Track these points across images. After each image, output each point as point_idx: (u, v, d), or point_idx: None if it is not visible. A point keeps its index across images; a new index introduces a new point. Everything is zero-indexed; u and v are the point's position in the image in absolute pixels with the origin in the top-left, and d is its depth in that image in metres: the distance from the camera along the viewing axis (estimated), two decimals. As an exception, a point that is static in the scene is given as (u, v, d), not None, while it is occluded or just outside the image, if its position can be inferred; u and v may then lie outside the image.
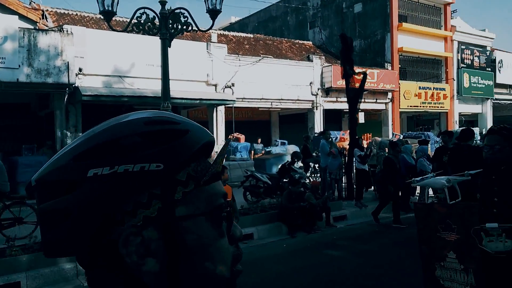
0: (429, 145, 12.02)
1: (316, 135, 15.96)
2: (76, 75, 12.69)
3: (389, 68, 21.31)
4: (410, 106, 22.05)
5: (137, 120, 0.60)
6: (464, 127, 9.91)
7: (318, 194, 8.75)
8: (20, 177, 10.63)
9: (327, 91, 19.02)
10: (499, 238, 2.52)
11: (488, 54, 26.02)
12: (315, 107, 18.91)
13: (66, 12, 17.03)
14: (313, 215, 7.80)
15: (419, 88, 22.31)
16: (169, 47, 8.02)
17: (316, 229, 7.84)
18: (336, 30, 23.20)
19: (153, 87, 12.82)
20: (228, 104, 15.66)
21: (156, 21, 7.83)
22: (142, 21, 7.68)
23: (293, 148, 14.09)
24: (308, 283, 5.25)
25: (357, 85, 11.25)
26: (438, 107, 23.23)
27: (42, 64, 12.01)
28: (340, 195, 10.30)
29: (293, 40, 24.01)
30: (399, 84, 21.09)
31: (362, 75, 11.14)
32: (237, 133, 16.03)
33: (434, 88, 22.92)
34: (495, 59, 25.99)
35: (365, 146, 12.80)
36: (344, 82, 11.27)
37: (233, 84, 16.12)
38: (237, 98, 15.76)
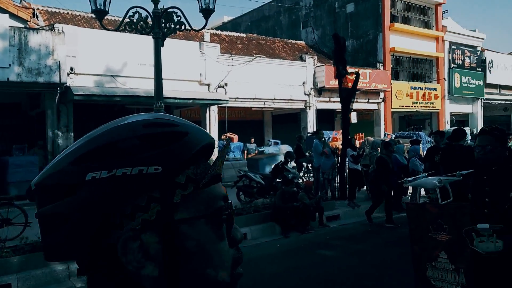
0: (420, 145, 12.11)
1: (309, 135, 16.00)
2: (68, 74, 12.57)
3: (381, 68, 21.42)
4: (402, 106, 22.20)
5: (136, 122, 0.59)
6: (456, 127, 10.00)
7: (311, 194, 8.79)
8: (10, 178, 10.51)
9: (319, 91, 19.07)
10: (490, 238, 2.54)
11: (478, 54, 26.28)
12: (308, 107, 18.95)
13: (57, 10, 16.87)
14: (307, 215, 7.82)
15: (411, 88, 22.46)
16: (162, 46, 7.99)
17: (309, 229, 7.87)
18: (329, 30, 23.27)
19: (146, 87, 12.75)
20: (221, 104, 15.64)
21: (149, 20, 7.79)
22: (134, 20, 7.64)
23: (286, 148, 14.12)
24: (301, 283, 5.27)
25: (350, 85, 11.29)
26: (429, 107, 23.41)
27: (33, 63, 11.88)
28: (333, 195, 10.34)
29: (286, 39, 24.03)
30: (391, 84, 21.22)
31: (355, 75, 11.19)
32: (230, 133, 16.01)
33: (425, 88, 23.09)
34: (485, 59, 26.26)
35: (358, 146, 12.85)
36: (337, 82, 11.30)
37: (226, 84, 16.09)
38: (230, 98, 15.74)
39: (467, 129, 17.55)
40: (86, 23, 16.44)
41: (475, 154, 2.84)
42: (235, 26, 28.71)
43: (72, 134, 12.92)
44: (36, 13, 15.24)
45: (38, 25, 14.34)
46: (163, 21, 7.79)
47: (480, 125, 25.18)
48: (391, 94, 21.45)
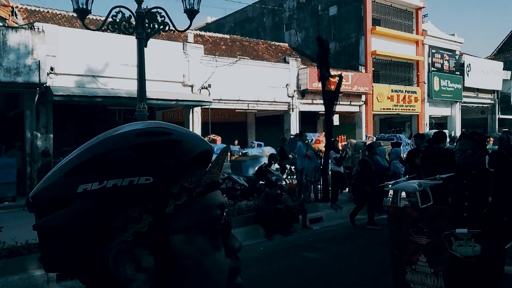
0: (401, 147, 12.32)
1: (292, 137, 16.07)
2: (48, 74, 12.32)
3: (363, 71, 21.70)
4: (383, 109, 22.53)
5: (129, 132, 0.58)
6: (436, 130, 10.20)
7: (294, 196, 8.82)
8: (-13, 180, 10.22)
9: (303, 93, 19.20)
10: (468, 242, 2.60)
11: (457, 58, 26.91)
12: (291, 109, 19.04)
13: (37, 9, 16.51)
14: (290, 218, 7.85)
15: (392, 91, 22.83)
16: (146, 47, 7.90)
17: (292, 232, 7.90)
18: (312, 32, 23.45)
19: (128, 87, 12.60)
20: (205, 105, 15.57)
21: (132, 20, 7.70)
22: (117, 20, 7.53)
23: (269, 150, 14.14)
24: (285, 285, 5.29)
25: (333, 87, 11.39)
26: (409, 109, 23.83)
27: (11, 62, 11.60)
28: (316, 197, 10.41)
29: (269, 41, 24.10)
30: (372, 87, 21.52)
31: (338, 78, 11.30)
32: (213, 135, 15.95)
33: (406, 91, 23.51)
34: (463, 63, 26.91)
35: (340, 148, 12.98)
36: (320, 84, 11.39)
37: (209, 85, 16.04)
38: (213, 99, 15.69)
39: (445, 132, 17.89)
40: (67, 22, 16.14)
41: (456, 159, 2.89)
42: (219, 27, 28.66)
43: (52, 135, 12.66)
44: (15, 11, 14.88)
45: (17, 23, 14.00)
46: (147, 21, 7.70)
47: (458, 127, 25.78)
48: (373, 96, 21.76)
